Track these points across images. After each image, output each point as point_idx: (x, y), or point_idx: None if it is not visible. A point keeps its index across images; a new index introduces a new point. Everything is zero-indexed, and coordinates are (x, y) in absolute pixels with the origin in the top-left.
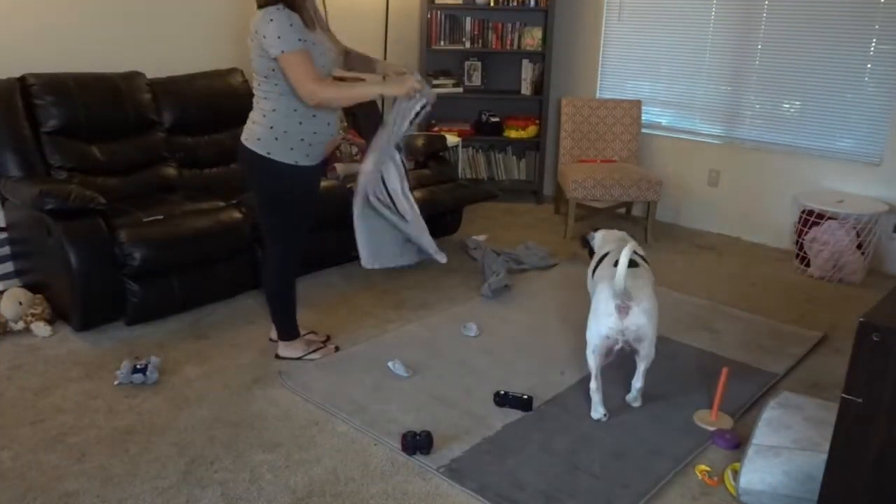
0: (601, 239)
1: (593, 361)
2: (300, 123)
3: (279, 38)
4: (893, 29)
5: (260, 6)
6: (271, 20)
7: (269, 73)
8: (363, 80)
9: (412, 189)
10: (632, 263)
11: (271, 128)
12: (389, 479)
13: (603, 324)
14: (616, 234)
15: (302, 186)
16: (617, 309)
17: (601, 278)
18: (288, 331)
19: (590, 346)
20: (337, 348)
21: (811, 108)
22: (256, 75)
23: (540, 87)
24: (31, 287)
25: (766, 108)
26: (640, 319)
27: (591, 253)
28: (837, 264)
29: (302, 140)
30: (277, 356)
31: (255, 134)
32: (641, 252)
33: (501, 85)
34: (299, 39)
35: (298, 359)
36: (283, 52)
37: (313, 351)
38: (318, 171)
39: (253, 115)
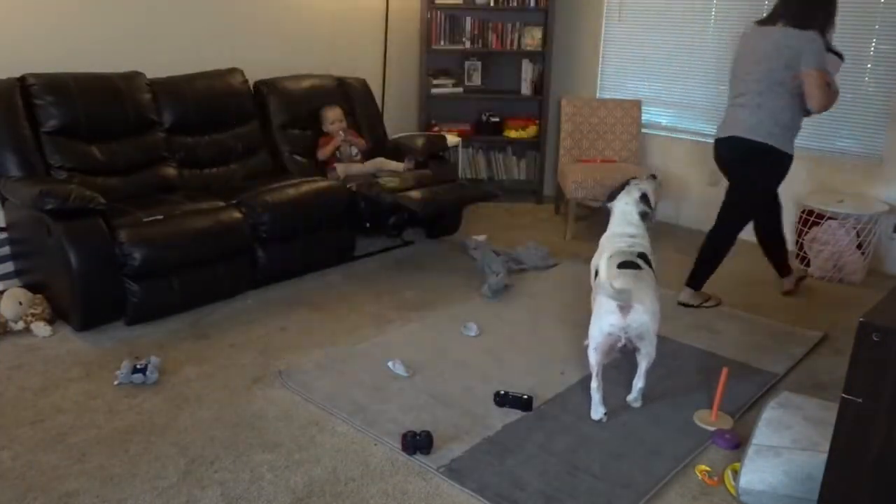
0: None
1: (594, 359)
2: (800, 118)
3: (815, 56)
4: (893, 29)
5: (797, 26)
6: (813, 41)
7: (786, 80)
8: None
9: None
10: (634, 266)
11: (776, 123)
12: (389, 478)
13: (605, 320)
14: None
15: (786, 169)
16: (619, 307)
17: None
18: (700, 280)
19: (592, 343)
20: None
21: None
22: (769, 80)
23: (540, 87)
24: (31, 287)
25: None
26: (643, 317)
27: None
28: (837, 264)
29: (797, 132)
30: (679, 302)
31: (765, 128)
32: (647, 251)
33: (501, 85)
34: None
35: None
36: (814, 68)
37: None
38: None
39: (757, 114)
